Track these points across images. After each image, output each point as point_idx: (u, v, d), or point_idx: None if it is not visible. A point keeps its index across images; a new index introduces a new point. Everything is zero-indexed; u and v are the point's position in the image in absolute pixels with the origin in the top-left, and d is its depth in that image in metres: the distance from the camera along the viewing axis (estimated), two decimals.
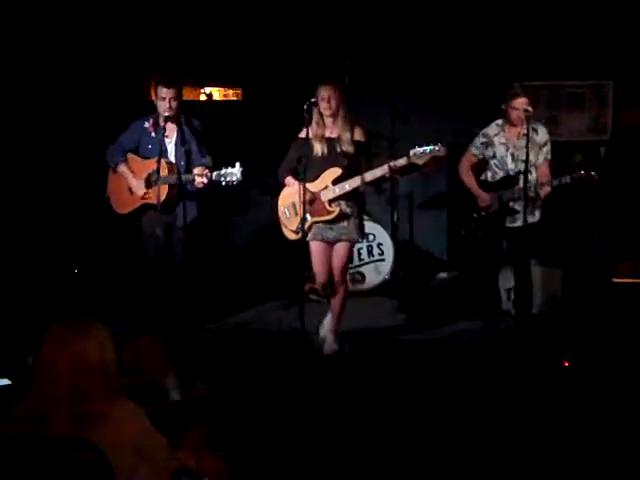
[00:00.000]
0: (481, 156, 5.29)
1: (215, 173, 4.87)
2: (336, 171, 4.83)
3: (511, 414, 4.07)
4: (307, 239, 4.97)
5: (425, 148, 4.72)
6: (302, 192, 4.74)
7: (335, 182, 4.84)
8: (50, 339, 2.27)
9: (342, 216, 4.90)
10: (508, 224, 5.19)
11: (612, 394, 4.29)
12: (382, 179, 4.97)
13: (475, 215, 5.27)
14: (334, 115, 4.84)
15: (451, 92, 7.11)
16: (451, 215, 7.41)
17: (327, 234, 4.88)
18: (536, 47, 6.92)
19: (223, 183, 4.88)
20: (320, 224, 4.89)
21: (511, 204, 5.14)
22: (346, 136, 4.85)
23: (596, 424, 3.92)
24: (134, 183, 5.10)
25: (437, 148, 4.73)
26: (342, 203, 4.90)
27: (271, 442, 3.70)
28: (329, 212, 4.86)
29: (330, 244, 4.94)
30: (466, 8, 6.94)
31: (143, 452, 2.24)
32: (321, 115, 4.84)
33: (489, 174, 5.28)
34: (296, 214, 4.99)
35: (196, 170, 4.99)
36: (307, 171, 4.87)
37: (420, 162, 4.75)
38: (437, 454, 3.65)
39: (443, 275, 7.31)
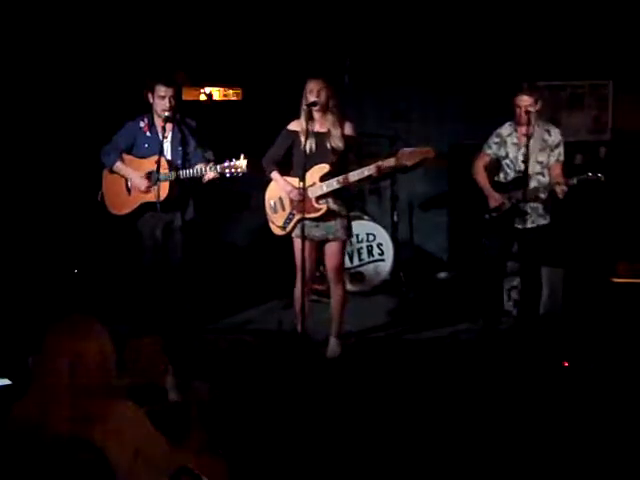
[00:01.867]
0: (494, 156, 5.25)
1: (220, 165, 4.88)
2: (324, 167, 4.77)
3: (511, 414, 4.07)
4: (293, 235, 4.95)
5: (412, 150, 4.71)
6: (304, 188, 4.72)
7: (323, 179, 4.78)
8: (50, 339, 2.27)
9: (329, 214, 4.85)
10: (517, 225, 5.14)
11: (612, 394, 4.29)
12: (370, 178, 4.89)
13: (487, 216, 5.22)
14: (322, 110, 4.78)
15: (451, 92, 7.11)
16: (451, 215, 7.41)
17: (313, 232, 4.80)
18: (536, 47, 6.91)
19: (228, 175, 4.88)
20: (306, 222, 4.80)
21: (521, 205, 5.10)
22: (336, 131, 4.79)
23: (596, 424, 3.92)
24: (136, 178, 5.07)
25: (427, 149, 4.72)
26: (330, 201, 4.84)
27: (271, 442, 3.70)
28: (316, 209, 4.79)
29: (316, 242, 4.90)
30: (467, 8, 6.94)
31: (143, 452, 2.24)
32: (310, 110, 4.74)
33: (502, 175, 5.25)
34: (283, 209, 4.98)
35: (200, 165, 4.99)
36: (295, 166, 4.88)
37: (409, 163, 4.74)
38: (437, 454, 3.65)
39: (443, 275, 7.31)
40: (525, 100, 5.02)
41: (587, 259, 6.45)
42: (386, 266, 6.69)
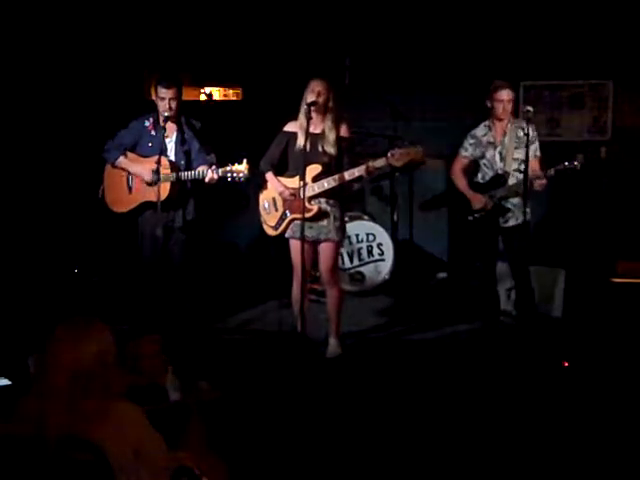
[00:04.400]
0: (471, 157, 5.29)
1: (222, 169, 4.89)
2: (316, 168, 4.77)
3: (511, 414, 4.07)
4: (286, 236, 4.96)
5: (402, 150, 4.71)
6: (303, 188, 4.72)
7: (315, 179, 4.78)
8: (52, 340, 2.27)
9: (322, 214, 4.85)
10: (502, 224, 5.18)
11: (612, 394, 4.29)
12: (362, 179, 4.89)
13: (470, 218, 5.24)
14: (321, 111, 4.79)
15: (451, 92, 7.11)
16: (451, 215, 7.41)
17: (306, 232, 4.75)
18: (536, 47, 6.92)
19: (229, 179, 4.90)
20: (299, 222, 4.78)
21: (503, 203, 5.14)
22: (331, 135, 4.80)
23: (596, 424, 3.92)
24: (140, 170, 5.06)
25: (415, 151, 4.72)
26: (322, 201, 4.85)
27: (271, 442, 3.71)
28: (308, 209, 4.78)
29: (309, 243, 4.89)
30: (467, 8, 6.94)
31: (142, 452, 2.24)
32: (310, 110, 4.73)
33: (479, 175, 5.29)
34: (276, 209, 5.00)
35: (202, 168, 5.00)
36: (289, 166, 4.91)
37: (398, 164, 4.74)
38: (437, 454, 3.65)
39: (443, 275, 7.31)
40: (507, 94, 5.06)
41: (587, 259, 6.45)
42: (386, 266, 6.69)
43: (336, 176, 4.77)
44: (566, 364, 4.74)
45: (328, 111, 4.81)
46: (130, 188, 5.18)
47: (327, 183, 4.78)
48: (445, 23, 7.01)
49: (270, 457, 3.56)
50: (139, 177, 5.08)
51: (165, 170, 4.96)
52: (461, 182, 5.32)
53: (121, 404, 2.28)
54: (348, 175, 4.77)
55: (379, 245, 6.69)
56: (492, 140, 5.21)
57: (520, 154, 5.04)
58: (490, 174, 5.22)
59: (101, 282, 6.57)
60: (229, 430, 3.50)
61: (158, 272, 5.10)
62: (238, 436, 3.60)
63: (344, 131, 4.88)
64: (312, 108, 4.71)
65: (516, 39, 6.92)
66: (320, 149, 4.81)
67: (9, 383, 3.54)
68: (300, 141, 4.77)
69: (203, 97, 7.50)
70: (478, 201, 5.20)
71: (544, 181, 5.01)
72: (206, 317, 5.71)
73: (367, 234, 6.69)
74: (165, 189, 4.96)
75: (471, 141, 5.28)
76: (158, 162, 4.86)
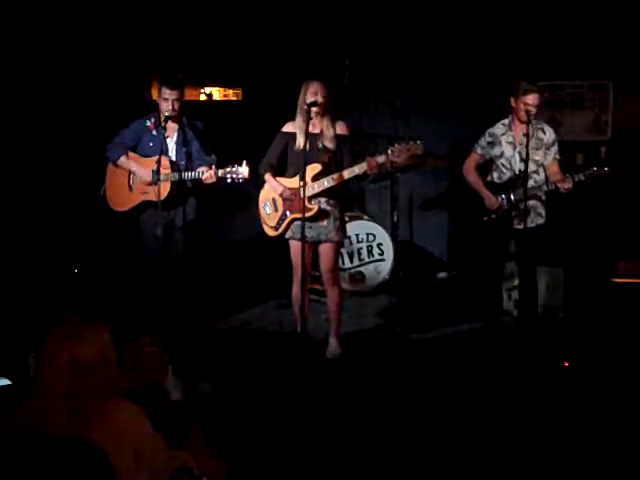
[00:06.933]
0: (487, 156, 5.16)
1: (221, 170, 4.90)
2: (316, 167, 4.77)
3: (511, 414, 4.07)
4: (286, 237, 4.96)
5: (402, 146, 4.70)
6: (304, 188, 4.71)
7: (314, 179, 4.78)
8: (51, 339, 2.27)
9: (322, 214, 4.85)
10: (516, 226, 5.07)
11: (612, 394, 4.29)
12: (364, 176, 4.86)
13: (485, 218, 5.12)
14: (320, 111, 4.78)
15: (451, 91, 7.11)
16: (451, 215, 7.41)
17: (306, 233, 4.73)
18: (536, 47, 6.91)
19: (229, 180, 4.91)
20: (299, 222, 4.77)
21: (520, 205, 4.98)
22: (329, 132, 4.81)
23: (596, 424, 3.92)
24: (141, 171, 5.07)
25: (415, 146, 4.71)
26: (322, 200, 4.85)
27: (271, 442, 3.70)
28: (308, 209, 4.77)
29: (309, 243, 4.88)
30: (467, 7, 6.94)
31: (142, 452, 2.24)
32: (309, 111, 4.73)
33: (495, 175, 5.15)
34: (276, 210, 4.99)
35: (203, 167, 5.01)
36: (288, 166, 4.91)
37: (399, 160, 4.74)
38: (437, 454, 3.65)
39: (443, 275, 7.31)
40: (535, 99, 4.91)
41: (587, 259, 6.45)
42: (386, 266, 6.69)
43: (336, 175, 4.77)
44: (567, 364, 4.74)
45: (325, 110, 4.81)
46: (131, 187, 5.19)
47: (327, 182, 4.78)
48: (445, 23, 7.01)
49: (270, 457, 3.56)
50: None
51: (165, 170, 4.97)
52: (476, 180, 5.16)
53: (121, 404, 2.28)
54: (348, 173, 4.77)
55: (379, 245, 6.69)
56: (512, 140, 5.08)
57: (539, 156, 4.98)
58: (508, 174, 5.09)
59: (101, 281, 6.56)
60: (229, 430, 3.50)
61: (158, 272, 5.10)
62: (238, 436, 3.60)
63: (342, 129, 4.88)
64: (312, 109, 4.71)
65: (516, 39, 6.91)
66: (320, 146, 4.82)
67: (9, 383, 3.53)
68: (299, 142, 4.78)
69: (203, 97, 7.50)
70: (494, 202, 5.08)
71: (571, 185, 4.90)
72: (206, 317, 5.72)
73: (367, 234, 6.69)
74: (165, 189, 4.98)
75: (489, 139, 5.14)
76: (159, 162, 4.87)
